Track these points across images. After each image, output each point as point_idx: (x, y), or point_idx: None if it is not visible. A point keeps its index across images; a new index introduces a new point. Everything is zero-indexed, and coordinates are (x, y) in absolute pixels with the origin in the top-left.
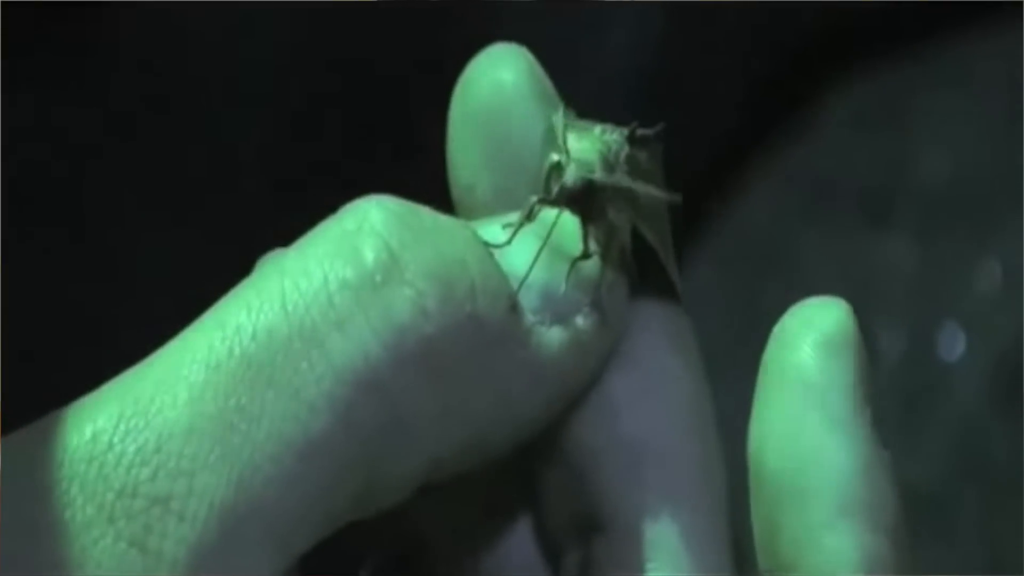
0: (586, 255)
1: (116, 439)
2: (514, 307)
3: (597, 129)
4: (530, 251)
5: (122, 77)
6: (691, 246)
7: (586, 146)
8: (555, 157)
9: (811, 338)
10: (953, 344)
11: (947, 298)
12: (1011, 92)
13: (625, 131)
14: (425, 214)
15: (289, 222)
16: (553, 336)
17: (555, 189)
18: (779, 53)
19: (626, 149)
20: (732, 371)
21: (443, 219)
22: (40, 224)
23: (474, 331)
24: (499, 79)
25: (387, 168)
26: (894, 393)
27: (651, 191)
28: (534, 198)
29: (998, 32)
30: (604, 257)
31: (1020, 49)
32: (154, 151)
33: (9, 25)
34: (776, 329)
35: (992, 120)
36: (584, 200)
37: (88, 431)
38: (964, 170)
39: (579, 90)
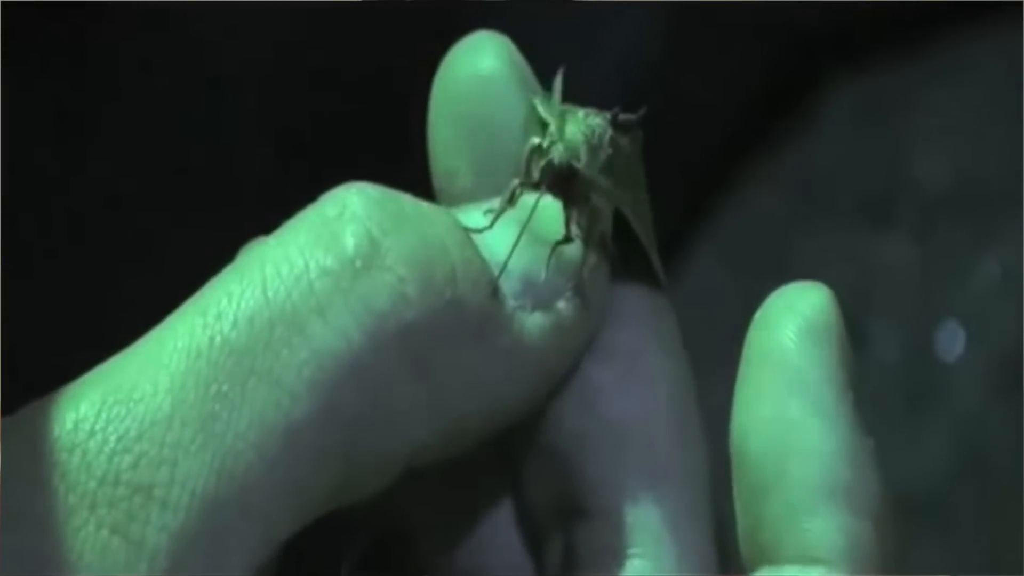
0: (568, 239)
1: (98, 427)
2: (495, 292)
3: (581, 113)
4: (511, 236)
5: (122, 77)
6: (690, 244)
7: (571, 129)
8: (536, 140)
9: (793, 323)
10: (952, 343)
11: (947, 297)
12: (1011, 92)
13: (608, 115)
14: (405, 200)
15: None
16: (535, 321)
17: (536, 172)
18: (779, 52)
19: (609, 132)
20: (730, 369)
21: (423, 205)
22: (38, 224)
23: (455, 317)
24: (478, 66)
25: (385, 169)
26: (894, 393)
27: (630, 185)
28: (516, 181)
29: (998, 31)
30: (586, 241)
31: (1020, 48)
32: (153, 151)
33: (9, 25)
34: (758, 314)
35: (992, 120)
36: (567, 183)
37: (70, 420)
38: (964, 169)
39: (579, 89)
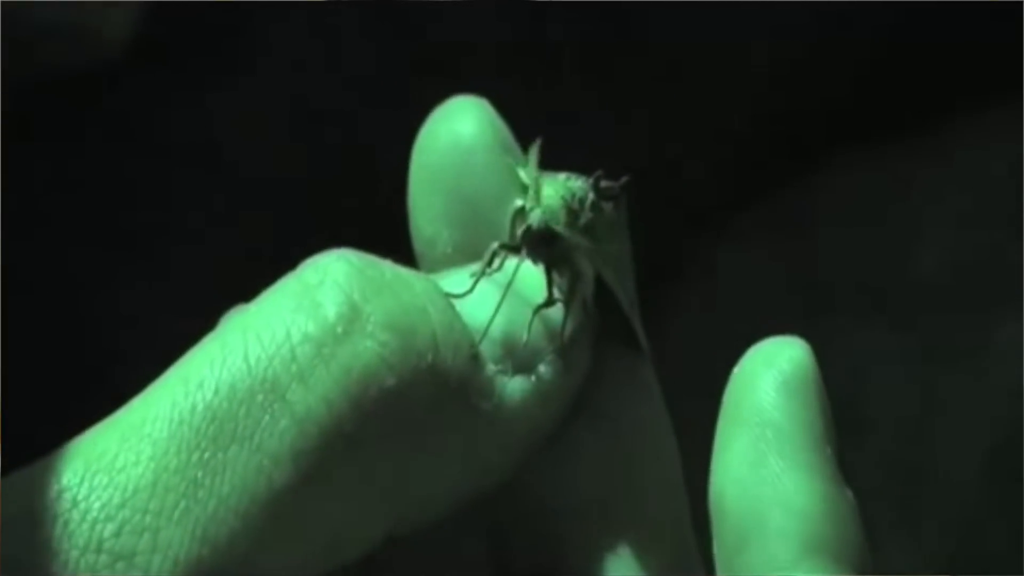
0: (550, 302)
1: (80, 496)
2: (476, 357)
3: (562, 176)
4: (492, 300)
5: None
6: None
7: (550, 192)
8: (519, 202)
9: (770, 378)
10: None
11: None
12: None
13: (590, 180)
14: (385, 267)
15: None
16: (516, 385)
17: (519, 233)
18: (776, 134)
19: (591, 197)
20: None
21: (403, 271)
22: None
23: (436, 382)
24: (457, 132)
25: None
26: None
27: (612, 249)
28: (496, 243)
29: (998, 120)
30: (567, 304)
31: (1017, 133)
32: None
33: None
34: (735, 370)
35: (991, 210)
36: (547, 246)
37: (53, 489)
38: (961, 260)
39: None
